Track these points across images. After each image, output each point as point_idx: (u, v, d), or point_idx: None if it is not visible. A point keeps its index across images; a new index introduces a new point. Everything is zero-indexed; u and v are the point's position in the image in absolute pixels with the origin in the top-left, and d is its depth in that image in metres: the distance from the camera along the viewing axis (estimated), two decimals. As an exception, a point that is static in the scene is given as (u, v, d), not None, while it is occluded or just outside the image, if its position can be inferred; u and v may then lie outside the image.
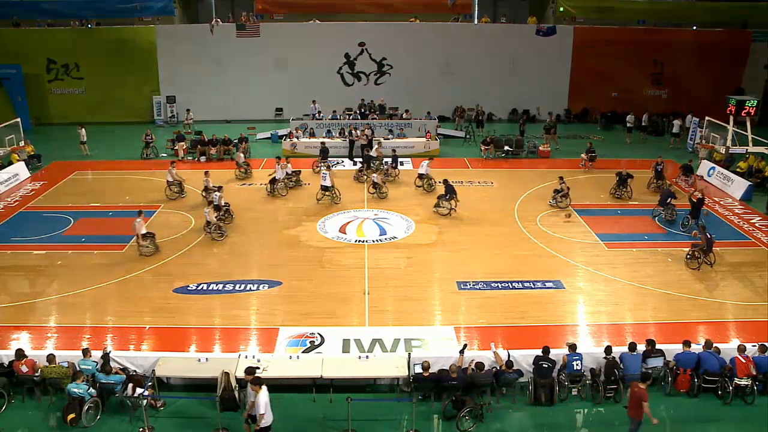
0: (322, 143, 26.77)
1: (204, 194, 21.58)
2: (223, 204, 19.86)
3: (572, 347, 12.15)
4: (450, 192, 20.80)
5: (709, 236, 17.03)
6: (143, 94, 34.99)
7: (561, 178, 21.74)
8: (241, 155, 25.27)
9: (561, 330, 13.98)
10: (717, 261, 17.32)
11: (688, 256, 17.31)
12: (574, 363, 11.94)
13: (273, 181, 22.58)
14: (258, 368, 11.16)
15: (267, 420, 10.12)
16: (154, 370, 11.91)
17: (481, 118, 32.62)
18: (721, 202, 22.37)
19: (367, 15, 36.33)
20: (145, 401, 10.94)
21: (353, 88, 35.55)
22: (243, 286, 15.95)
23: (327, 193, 21.78)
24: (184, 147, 27.84)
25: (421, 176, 23.67)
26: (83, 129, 28.20)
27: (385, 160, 25.80)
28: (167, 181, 22.22)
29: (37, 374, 11.70)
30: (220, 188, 20.54)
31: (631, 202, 22.05)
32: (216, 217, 19.04)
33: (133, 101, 35.20)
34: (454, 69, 35.21)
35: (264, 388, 10.15)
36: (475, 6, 38.66)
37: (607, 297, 15.58)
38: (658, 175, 23.26)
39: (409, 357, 12.24)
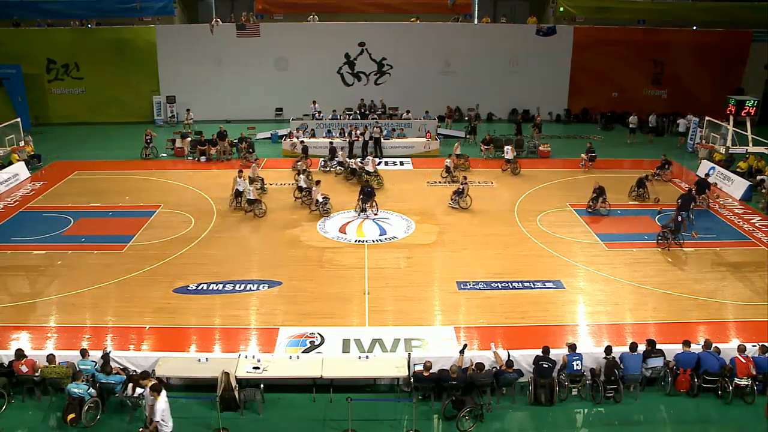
0: (331, 143, 27.20)
1: (297, 177, 22.90)
2: (305, 186, 21.90)
3: (572, 347, 12.14)
4: (369, 194, 20.86)
5: (679, 219, 17.98)
6: (143, 94, 34.97)
7: (465, 177, 21.91)
8: (349, 160, 25.36)
9: (561, 330, 13.98)
10: (716, 260, 17.44)
11: (659, 238, 18.19)
12: (574, 363, 11.93)
13: (238, 194, 21.33)
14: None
15: (167, 427, 10.01)
16: (154, 370, 11.91)
17: (474, 124, 31.91)
18: (721, 202, 22.39)
19: (367, 15, 36.30)
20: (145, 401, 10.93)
21: (353, 88, 35.53)
22: (243, 286, 15.94)
23: (370, 177, 23.41)
24: (186, 142, 27.94)
25: (508, 161, 25.68)
26: (30, 136, 27.91)
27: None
28: (249, 177, 22.40)
29: (37, 374, 11.70)
30: (305, 171, 22.92)
31: (630, 203, 22.04)
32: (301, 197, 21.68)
33: (133, 101, 35.19)
34: (454, 69, 35.23)
35: (162, 394, 10.03)
36: (475, 6, 38.62)
37: (607, 297, 15.58)
38: (640, 183, 22.43)
39: (409, 357, 12.24)
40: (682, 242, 18.03)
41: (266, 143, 30.65)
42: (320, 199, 20.78)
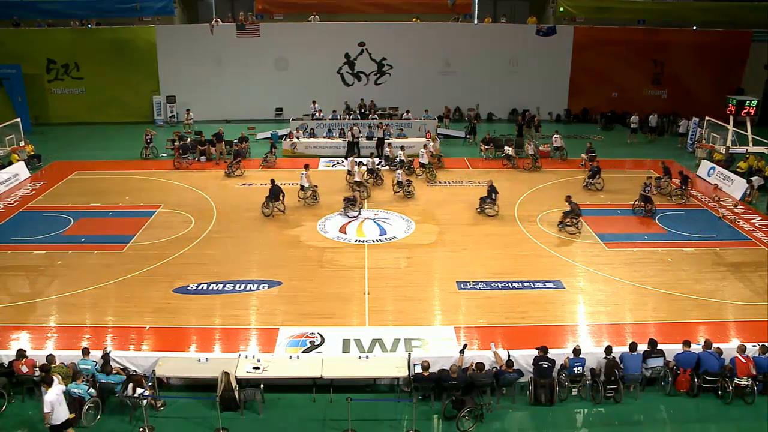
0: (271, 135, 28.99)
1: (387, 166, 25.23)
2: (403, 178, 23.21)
3: (576, 352, 12.08)
4: (276, 193, 20.50)
5: (576, 204, 19.44)
6: (143, 94, 34.97)
7: (360, 184, 21.53)
8: (396, 152, 26.03)
9: (561, 330, 13.99)
10: (716, 260, 17.50)
11: (560, 224, 19.34)
12: (575, 368, 11.89)
13: (302, 188, 21.91)
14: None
15: (57, 417, 10.03)
16: (154, 370, 11.92)
17: (473, 124, 31.82)
18: (721, 202, 22.39)
19: (367, 15, 36.32)
20: (145, 401, 10.95)
21: (353, 88, 35.53)
22: (243, 286, 15.95)
23: (424, 169, 24.79)
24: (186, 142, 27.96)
25: (556, 149, 27.61)
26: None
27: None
28: (347, 171, 23.86)
29: (37, 374, 11.69)
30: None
31: (628, 202, 22.02)
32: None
33: (133, 101, 35.19)
34: (454, 69, 35.24)
35: (54, 387, 10.08)
36: (475, 6, 38.64)
37: (607, 297, 15.58)
38: (646, 199, 20.83)
39: (409, 357, 12.24)
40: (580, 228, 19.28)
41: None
42: (404, 182, 22.35)
